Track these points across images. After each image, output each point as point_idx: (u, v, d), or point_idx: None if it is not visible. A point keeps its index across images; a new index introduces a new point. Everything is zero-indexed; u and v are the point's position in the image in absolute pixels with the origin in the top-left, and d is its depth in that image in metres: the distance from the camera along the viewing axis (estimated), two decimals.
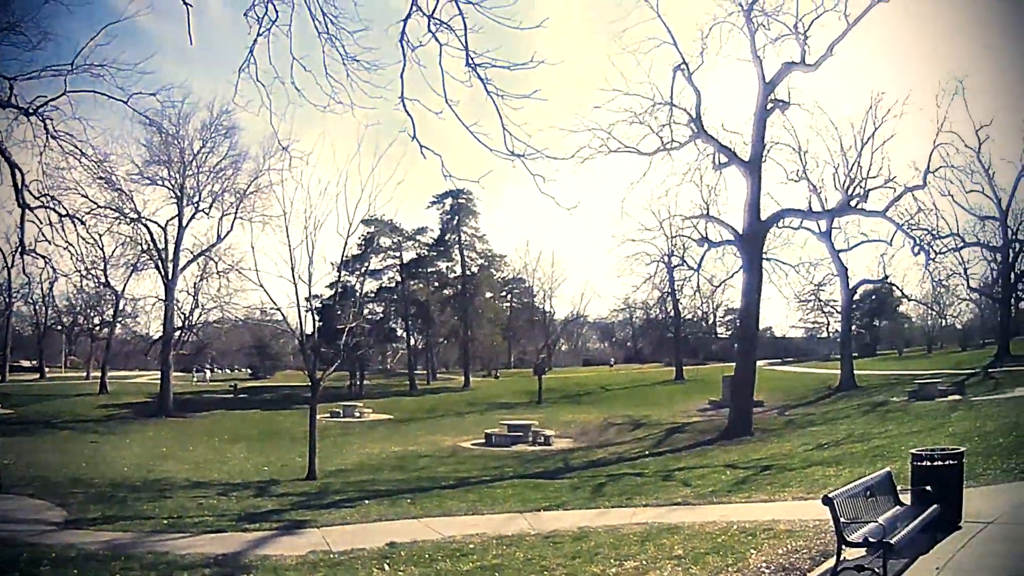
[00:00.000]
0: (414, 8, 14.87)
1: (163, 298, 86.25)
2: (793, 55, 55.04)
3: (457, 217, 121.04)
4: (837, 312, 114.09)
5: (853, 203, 72.41)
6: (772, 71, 55.36)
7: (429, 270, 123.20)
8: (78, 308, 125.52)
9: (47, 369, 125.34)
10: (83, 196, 57.06)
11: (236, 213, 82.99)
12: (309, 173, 47.57)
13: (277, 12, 15.18)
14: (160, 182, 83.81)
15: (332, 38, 15.99)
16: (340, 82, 16.34)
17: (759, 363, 62.86)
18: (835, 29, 53.81)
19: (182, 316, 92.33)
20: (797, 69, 55.32)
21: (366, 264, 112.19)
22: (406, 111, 15.73)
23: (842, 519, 14.72)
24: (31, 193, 38.41)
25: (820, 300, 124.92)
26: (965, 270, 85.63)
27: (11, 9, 35.80)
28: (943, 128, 73.13)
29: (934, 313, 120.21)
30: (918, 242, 71.78)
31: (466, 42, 15.08)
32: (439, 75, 15.31)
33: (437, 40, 15.18)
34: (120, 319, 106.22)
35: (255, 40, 15.21)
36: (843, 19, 52.61)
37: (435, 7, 14.91)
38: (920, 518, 16.17)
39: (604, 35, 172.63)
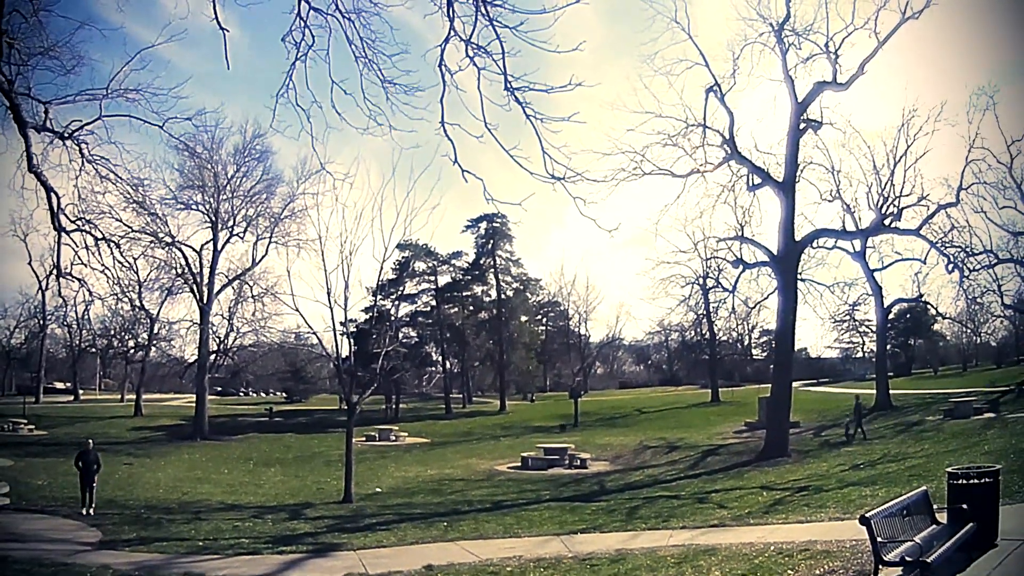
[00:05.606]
0: (452, 33, 14.95)
1: (198, 322, 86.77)
2: (824, 74, 54.99)
3: (492, 241, 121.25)
4: (872, 332, 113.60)
5: (887, 222, 71.96)
6: (804, 91, 55.30)
7: (464, 294, 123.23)
8: (113, 331, 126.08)
9: (81, 391, 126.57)
10: (118, 220, 57.57)
11: (271, 237, 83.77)
12: (344, 196, 47.83)
13: (314, 37, 15.31)
14: (194, 206, 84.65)
15: (370, 62, 16.10)
16: (379, 105, 16.44)
17: (794, 384, 62.53)
18: (865, 47, 53.76)
19: (217, 340, 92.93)
20: (829, 88, 55.23)
21: (401, 288, 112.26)
22: (447, 135, 15.79)
23: (879, 539, 14.67)
24: (67, 216, 38.56)
25: (855, 320, 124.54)
26: (999, 287, 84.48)
27: (45, 33, 36.01)
28: (975, 144, 72.36)
29: (969, 331, 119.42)
30: (952, 260, 71.37)
31: (504, 66, 15.14)
32: (476, 99, 15.37)
33: (475, 64, 15.24)
34: (155, 342, 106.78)
35: (293, 65, 15.35)
36: (873, 37, 52.57)
37: (472, 32, 14.99)
38: (956, 537, 16.07)
39: (635, 57, 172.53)
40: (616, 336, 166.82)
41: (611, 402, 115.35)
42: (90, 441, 37.00)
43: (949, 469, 18.73)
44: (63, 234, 38.77)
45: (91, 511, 33.40)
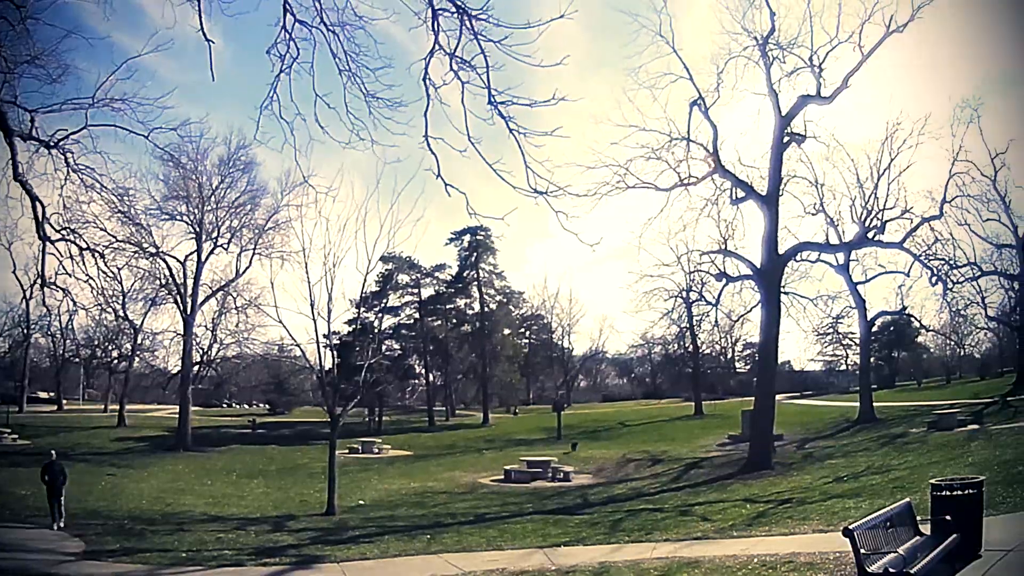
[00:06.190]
0: (436, 47, 14.96)
1: (182, 333, 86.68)
2: (809, 88, 55.05)
3: (475, 254, 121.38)
4: (855, 345, 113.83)
5: (870, 235, 72.01)
6: (788, 104, 55.35)
7: (447, 307, 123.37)
8: (96, 341, 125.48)
9: (65, 401, 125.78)
10: (102, 230, 57.35)
11: (255, 249, 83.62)
12: (328, 209, 47.75)
13: (299, 50, 15.32)
14: (179, 217, 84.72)
15: (354, 76, 16.12)
16: (362, 119, 16.44)
17: (778, 397, 62.47)
18: (850, 61, 53.93)
19: (200, 351, 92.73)
20: (813, 102, 55.28)
21: (384, 301, 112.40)
22: (430, 149, 15.81)
23: (862, 550, 14.67)
24: (51, 226, 38.43)
25: (838, 333, 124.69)
26: (983, 299, 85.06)
27: (32, 42, 35.90)
28: (959, 157, 72.79)
29: (952, 343, 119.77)
30: (935, 272, 71.62)
31: (488, 80, 15.15)
32: (460, 113, 15.37)
33: (459, 79, 15.25)
34: (138, 353, 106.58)
35: (277, 77, 15.37)
36: (857, 50, 52.74)
37: (457, 46, 14.99)
38: (940, 548, 16.10)
39: (619, 71, 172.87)
40: (599, 349, 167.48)
41: (594, 415, 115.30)
42: (53, 452, 36.81)
43: (933, 481, 18.80)
44: (48, 243, 38.68)
45: (60, 524, 33.04)
